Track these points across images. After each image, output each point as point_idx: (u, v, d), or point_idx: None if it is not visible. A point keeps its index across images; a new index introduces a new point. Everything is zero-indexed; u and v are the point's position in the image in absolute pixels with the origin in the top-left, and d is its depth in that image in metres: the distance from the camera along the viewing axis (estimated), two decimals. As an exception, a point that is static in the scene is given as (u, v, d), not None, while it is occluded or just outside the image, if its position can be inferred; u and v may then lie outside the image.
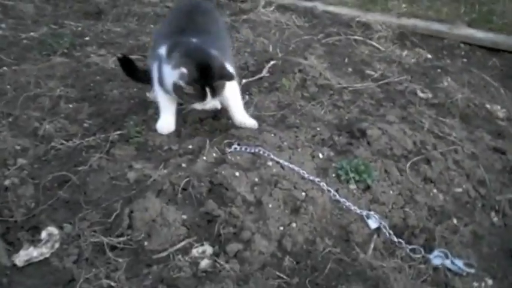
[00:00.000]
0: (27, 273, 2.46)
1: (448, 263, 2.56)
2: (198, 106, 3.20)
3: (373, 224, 2.76)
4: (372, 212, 2.80)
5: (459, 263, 2.55)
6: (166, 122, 3.42)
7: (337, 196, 2.88)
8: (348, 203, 2.84)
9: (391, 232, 2.72)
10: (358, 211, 2.81)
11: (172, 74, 3.06)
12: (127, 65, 3.79)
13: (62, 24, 5.64)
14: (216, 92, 3.09)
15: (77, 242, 2.57)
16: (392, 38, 5.66)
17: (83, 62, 4.63)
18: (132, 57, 4.47)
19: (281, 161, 3.04)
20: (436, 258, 2.58)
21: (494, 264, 2.67)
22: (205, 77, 3.00)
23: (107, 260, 2.50)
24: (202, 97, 3.07)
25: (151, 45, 3.57)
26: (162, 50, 3.23)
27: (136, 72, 3.82)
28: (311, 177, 2.95)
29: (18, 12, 5.85)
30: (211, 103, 3.24)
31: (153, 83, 3.40)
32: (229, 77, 3.15)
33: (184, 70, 2.94)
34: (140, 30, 5.55)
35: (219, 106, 3.50)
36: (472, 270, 2.53)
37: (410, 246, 2.65)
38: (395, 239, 2.69)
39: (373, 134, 3.32)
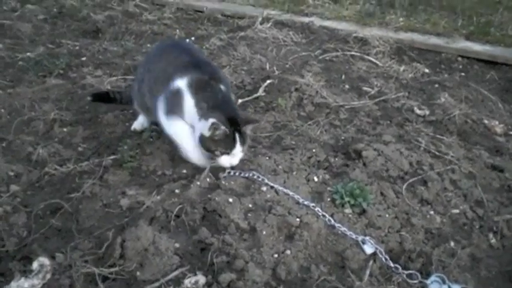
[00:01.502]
0: (18, 305, 2.41)
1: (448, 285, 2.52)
2: (226, 161, 3.13)
3: (368, 249, 2.72)
4: (367, 237, 2.76)
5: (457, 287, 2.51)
6: (196, 152, 3.25)
7: (332, 221, 2.84)
8: (343, 228, 2.81)
9: (387, 257, 2.68)
10: (354, 236, 2.77)
11: (198, 126, 3.11)
12: (103, 98, 3.97)
13: (59, 44, 5.65)
14: (244, 139, 3.11)
15: (69, 272, 2.52)
16: (389, 53, 5.65)
17: (78, 84, 4.61)
18: (128, 77, 4.49)
19: (275, 186, 3.03)
20: (434, 284, 2.54)
21: (492, 288, 2.63)
22: (234, 123, 3.04)
23: (99, 291, 2.46)
24: (232, 144, 3.07)
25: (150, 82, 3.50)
26: (181, 84, 3.21)
27: (114, 98, 3.95)
28: (306, 202, 2.93)
29: (16, 32, 5.85)
30: (238, 156, 3.18)
31: (158, 117, 3.31)
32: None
33: (214, 120, 2.96)
34: (137, 50, 5.54)
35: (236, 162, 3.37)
36: None
37: (407, 272, 2.61)
38: (392, 265, 2.65)
39: (369, 155, 3.30)
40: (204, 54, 3.84)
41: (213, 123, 2.94)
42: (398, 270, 2.62)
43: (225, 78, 3.41)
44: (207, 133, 2.99)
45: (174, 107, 3.20)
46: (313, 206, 2.90)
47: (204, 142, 3.05)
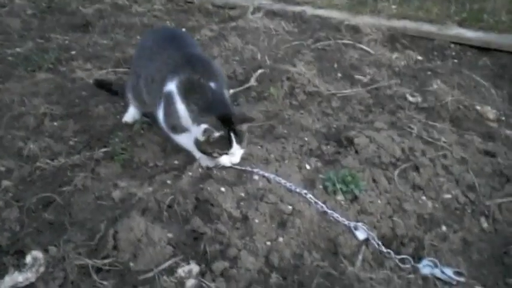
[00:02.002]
0: (12, 299, 2.41)
1: (437, 272, 2.53)
2: (226, 160, 3.12)
3: (361, 235, 2.73)
4: (359, 223, 2.77)
5: (449, 271, 2.52)
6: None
7: (325, 208, 2.85)
8: (335, 215, 2.81)
9: (379, 243, 2.69)
10: (346, 223, 2.77)
11: (194, 131, 3.05)
12: (104, 86, 4.08)
13: (49, 38, 5.63)
14: (240, 138, 3.04)
15: (62, 265, 2.51)
16: (382, 40, 5.65)
17: (68, 78, 4.61)
18: (119, 70, 4.47)
19: (266, 174, 3.03)
20: (425, 268, 2.55)
21: (484, 271, 2.62)
22: (228, 123, 2.97)
23: (92, 283, 2.45)
24: (229, 145, 3.01)
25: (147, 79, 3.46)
26: (171, 87, 3.17)
27: (116, 92, 4.03)
28: (298, 190, 2.93)
29: (5, 28, 5.84)
30: (238, 154, 3.14)
31: (162, 126, 3.33)
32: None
33: (205, 126, 2.91)
34: (126, 42, 5.52)
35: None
36: (462, 279, 2.51)
37: (399, 257, 2.62)
38: (384, 250, 2.66)
39: (361, 143, 3.30)
40: (197, 45, 3.77)
41: (205, 130, 2.90)
42: (390, 255, 2.63)
43: (217, 73, 3.32)
44: (201, 138, 2.95)
45: (171, 116, 3.18)
46: (305, 193, 2.91)
47: (200, 146, 3.02)
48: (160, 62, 3.36)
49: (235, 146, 3.01)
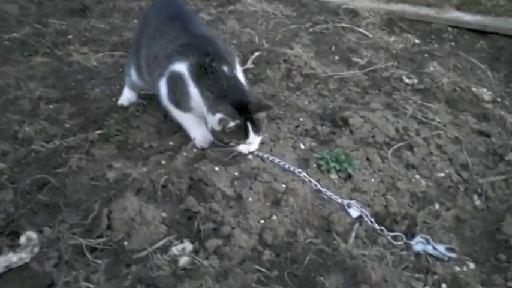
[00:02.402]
0: (6, 280, 2.43)
1: (429, 248, 2.55)
2: (243, 148, 3.07)
3: (354, 212, 2.75)
4: (352, 201, 2.79)
5: (441, 248, 2.54)
6: (203, 135, 3.19)
7: (318, 186, 2.86)
8: (329, 193, 2.83)
9: (372, 220, 2.72)
10: (339, 200, 2.79)
11: (209, 120, 2.98)
12: None
13: (46, 23, 5.60)
14: (257, 127, 2.94)
15: (57, 245, 2.54)
16: (380, 24, 5.63)
17: (64, 61, 4.60)
18: (115, 53, 4.48)
19: (260, 154, 3.04)
20: (418, 244, 2.58)
21: (476, 248, 2.65)
22: (244, 111, 2.88)
23: (86, 262, 2.48)
24: (245, 135, 2.93)
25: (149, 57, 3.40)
26: (181, 68, 3.10)
27: None
28: (291, 168, 2.95)
29: (2, 13, 5.80)
30: (256, 141, 3.11)
31: (162, 101, 3.27)
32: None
33: (221, 115, 2.84)
34: (124, 26, 5.49)
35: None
36: (454, 255, 2.53)
37: (392, 233, 2.64)
38: (377, 227, 2.69)
39: (356, 123, 3.31)
40: (203, 24, 3.76)
41: (221, 119, 2.83)
42: (383, 232, 2.65)
43: (228, 55, 3.23)
44: (217, 128, 2.90)
45: (178, 96, 3.14)
46: (298, 172, 2.92)
47: (217, 135, 2.97)
48: (165, 41, 3.28)
49: (252, 135, 2.94)
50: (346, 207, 2.77)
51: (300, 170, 2.94)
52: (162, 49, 3.26)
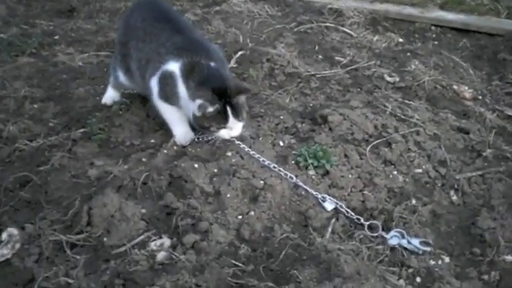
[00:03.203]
0: (-12, 275, 2.46)
1: (404, 242, 2.59)
2: (225, 134, 3.10)
3: (329, 206, 2.81)
4: (326, 196, 2.85)
5: (415, 242, 2.58)
6: (184, 132, 3.31)
7: (294, 179, 2.92)
8: (305, 186, 2.90)
9: (348, 210, 2.78)
10: (314, 193, 2.85)
11: (191, 108, 3.06)
12: None
13: (33, 24, 5.61)
14: (237, 111, 3.01)
15: (38, 241, 2.57)
16: (364, 23, 5.65)
17: (50, 61, 4.62)
18: (101, 53, 4.50)
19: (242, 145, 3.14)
20: (393, 239, 2.62)
21: (451, 242, 2.69)
22: (224, 95, 2.95)
23: (66, 258, 2.51)
24: (225, 119, 2.99)
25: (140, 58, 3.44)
26: (172, 67, 3.18)
27: None
28: (266, 163, 3.02)
29: (-10, 14, 5.84)
30: (237, 127, 3.13)
31: (153, 97, 3.33)
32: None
33: (200, 101, 2.92)
34: (110, 27, 5.50)
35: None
36: (429, 249, 2.58)
37: (367, 222, 2.72)
38: (354, 216, 2.76)
39: (335, 120, 3.34)
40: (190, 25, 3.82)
41: (200, 105, 2.91)
42: (360, 221, 2.73)
43: (216, 56, 3.31)
44: (197, 113, 2.96)
45: (168, 92, 3.20)
46: (273, 167, 2.98)
47: (198, 121, 3.03)
48: (156, 44, 3.33)
49: (231, 119, 2.99)
50: (321, 202, 2.83)
51: (275, 165, 3.00)
52: (154, 52, 3.30)
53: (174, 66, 3.16)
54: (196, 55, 3.17)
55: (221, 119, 2.99)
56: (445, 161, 3.17)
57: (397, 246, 2.59)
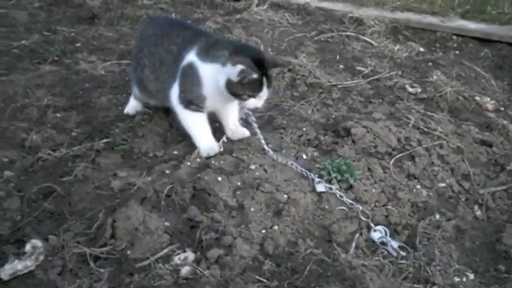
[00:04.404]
0: (12, 287, 2.46)
1: (385, 240, 2.71)
2: (253, 103, 3.11)
3: (320, 188, 2.91)
4: (320, 179, 2.97)
5: (394, 244, 2.69)
6: (209, 144, 3.28)
7: (294, 165, 3.06)
8: (300, 168, 3.04)
9: (342, 194, 2.88)
10: (308, 174, 3.00)
11: (223, 72, 3.03)
12: None
13: (55, 31, 5.66)
14: (270, 82, 3.07)
15: (61, 253, 2.57)
16: (385, 32, 5.68)
17: (72, 70, 4.64)
18: (122, 62, 4.51)
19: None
20: (376, 233, 2.75)
21: (476, 258, 2.67)
22: (261, 66, 2.98)
23: (90, 270, 2.50)
24: (260, 88, 3.03)
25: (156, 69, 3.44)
26: (190, 58, 3.19)
27: None
28: (281, 160, 3.11)
29: (11, 20, 5.86)
30: (263, 98, 3.13)
31: (174, 105, 3.31)
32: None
33: (242, 67, 2.91)
34: (131, 35, 5.53)
35: (247, 133, 3.48)
36: (404, 253, 2.64)
37: (360, 207, 2.85)
38: (349, 201, 2.86)
39: (358, 133, 3.33)
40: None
41: (242, 70, 2.90)
42: (353, 206, 2.85)
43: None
44: (235, 78, 2.94)
45: (191, 89, 3.19)
46: (290, 164, 3.07)
47: (231, 87, 3.01)
48: (167, 43, 3.36)
49: (265, 90, 3.04)
50: (315, 184, 2.94)
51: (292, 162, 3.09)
52: (167, 52, 3.34)
53: (190, 56, 3.18)
54: (212, 38, 3.28)
55: (257, 87, 3.02)
56: (469, 175, 3.16)
57: (378, 241, 2.72)
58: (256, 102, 3.09)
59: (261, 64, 2.98)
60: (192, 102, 3.21)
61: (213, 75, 3.09)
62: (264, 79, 3.00)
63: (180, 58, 3.22)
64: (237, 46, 3.16)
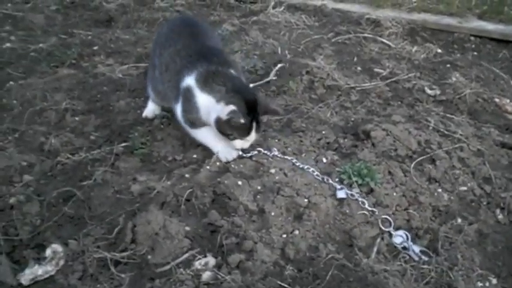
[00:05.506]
0: (32, 292, 2.46)
1: (407, 245, 2.68)
2: (237, 144, 3.13)
3: (341, 194, 2.89)
4: (342, 186, 2.95)
5: (416, 248, 2.65)
6: (226, 149, 3.22)
7: (315, 172, 3.04)
8: (311, 169, 3.05)
9: (364, 201, 2.85)
10: (320, 178, 3.00)
11: (215, 109, 3.05)
12: None
13: (72, 34, 5.68)
14: (259, 127, 3.10)
15: (82, 258, 2.56)
16: (402, 34, 5.65)
17: (90, 73, 4.66)
18: (140, 65, 4.51)
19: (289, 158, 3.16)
20: (397, 237, 2.72)
21: (499, 263, 2.64)
22: (253, 112, 3.01)
23: (110, 275, 2.50)
24: (247, 132, 3.05)
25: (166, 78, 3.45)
26: (189, 82, 3.18)
27: None
28: (301, 166, 3.09)
29: (28, 23, 5.90)
30: (251, 140, 3.16)
31: (178, 119, 3.34)
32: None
33: (234, 108, 2.93)
34: (148, 37, 5.54)
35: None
36: (426, 258, 2.61)
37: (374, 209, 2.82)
38: (369, 208, 2.82)
39: (378, 136, 3.31)
40: (215, 36, 3.84)
41: (232, 111, 2.91)
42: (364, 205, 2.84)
43: (233, 63, 3.36)
44: (224, 117, 2.96)
45: (190, 111, 3.21)
46: (312, 171, 3.05)
47: (220, 125, 3.03)
48: (173, 50, 3.38)
49: (253, 134, 3.06)
50: (337, 190, 2.93)
51: (313, 168, 3.08)
52: (172, 60, 3.36)
53: (189, 80, 3.17)
54: (213, 63, 3.20)
55: (244, 131, 3.04)
56: (490, 178, 3.12)
57: (399, 246, 2.69)
58: (243, 144, 3.13)
59: (253, 108, 2.99)
60: (194, 121, 3.23)
61: (208, 106, 3.10)
62: (254, 124, 3.02)
63: (180, 76, 3.23)
64: (235, 84, 3.11)
